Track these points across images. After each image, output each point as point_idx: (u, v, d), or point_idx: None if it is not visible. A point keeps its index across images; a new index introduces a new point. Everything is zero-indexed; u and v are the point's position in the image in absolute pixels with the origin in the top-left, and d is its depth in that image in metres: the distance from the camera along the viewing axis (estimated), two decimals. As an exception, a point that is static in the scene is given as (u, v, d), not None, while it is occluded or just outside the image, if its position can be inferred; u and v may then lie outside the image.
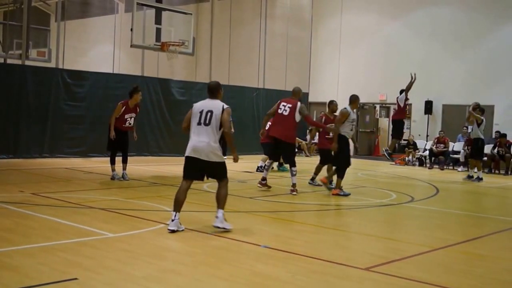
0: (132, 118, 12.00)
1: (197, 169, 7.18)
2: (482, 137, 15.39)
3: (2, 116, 15.84)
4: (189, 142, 7.19)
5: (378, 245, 7.10)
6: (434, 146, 19.79)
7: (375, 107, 25.10)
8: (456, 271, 5.88)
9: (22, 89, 16.12)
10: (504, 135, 18.46)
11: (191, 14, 17.99)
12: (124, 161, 12.16)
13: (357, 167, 18.24)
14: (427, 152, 20.37)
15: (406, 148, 21.20)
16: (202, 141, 7.06)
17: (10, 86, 15.95)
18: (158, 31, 16.69)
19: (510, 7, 20.58)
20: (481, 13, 21.11)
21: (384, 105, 24.86)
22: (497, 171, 18.64)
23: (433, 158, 19.95)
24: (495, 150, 18.50)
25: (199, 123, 7.11)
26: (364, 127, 24.71)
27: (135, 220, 7.75)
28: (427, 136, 21.73)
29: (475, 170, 15.62)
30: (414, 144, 20.91)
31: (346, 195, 10.89)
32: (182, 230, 7.03)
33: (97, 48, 30.83)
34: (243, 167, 16.26)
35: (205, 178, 7.47)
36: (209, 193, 10.89)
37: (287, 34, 25.25)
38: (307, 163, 19.58)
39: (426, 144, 20.96)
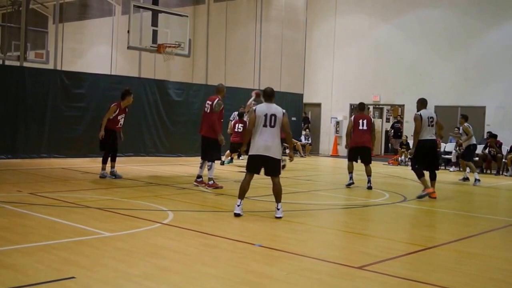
0: (123, 119, 12.53)
1: (259, 164, 8.27)
2: (475, 142, 15.71)
3: (1, 117, 15.90)
4: (254, 141, 8.18)
5: (371, 244, 7.16)
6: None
7: (368, 108, 25.17)
8: (448, 269, 5.93)
9: (20, 91, 16.18)
10: (495, 136, 18.59)
11: (187, 16, 18.05)
12: (114, 160, 12.64)
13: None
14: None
15: (399, 148, 21.33)
16: (268, 141, 8.12)
17: (9, 87, 16.02)
18: (155, 33, 16.74)
19: (501, 9, 20.75)
20: (471, 16, 21.28)
21: (377, 106, 24.98)
22: (488, 171, 18.80)
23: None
24: (487, 151, 18.66)
25: (264, 125, 8.14)
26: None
27: (131, 220, 7.80)
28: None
29: (468, 170, 15.71)
30: (407, 144, 21.01)
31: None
32: (242, 215, 8.19)
33: (94, 49, 30.89)
34: (241, 168, 16.35)
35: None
36: (204, 193, 10.97)
37: (281, 36, 25.34)
38: (302, 163, 19.69)
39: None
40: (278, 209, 8.25)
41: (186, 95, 20.39)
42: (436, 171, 11.52)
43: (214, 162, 11.45)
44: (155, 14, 16.84)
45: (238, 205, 8.30)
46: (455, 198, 12.67)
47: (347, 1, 24.75)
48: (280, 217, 8.18)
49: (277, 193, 8.30)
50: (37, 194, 9.77)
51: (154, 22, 16.78)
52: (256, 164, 8.32)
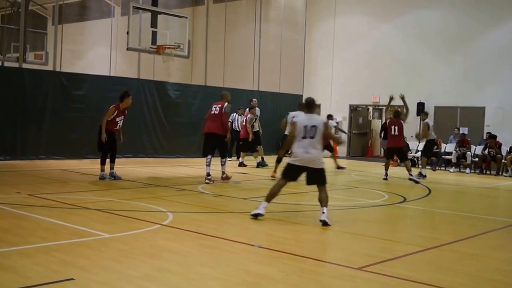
0: (122, 121, 12.54)
1: (298, 174, 8.32)
2: (432, 138, 16.45)
3: (0, 118, 15.89)
4: (295, 151, 8.22)
5: (370, 245, 7.15)
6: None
7: (368, 109, 25.22)
8: (448, 270, 5.92)
9: (19, 92, 16.17)
10: (494, 137, 18.58)
11: (187, 17, 18.03)
12: (113, 161, 12.66)
13: (350, 168, 18.35)
14: (419, 153, 20.43)
15: (418, 151, 21.29)
16: (309, 153, 8.14)
17: (8, 88, 15.99)
18: (154, 34, 16.73)
19: (500, 10, 20.73)
20: (471, 16, 21.27)
21: (377, 106, 24.97)
22: (488, 172, 18.78)
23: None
24: (486, 151, 18.65)
25: (304, 137, 8.16)
26: (357, 129, 24.83)
27: (130, 221, 7.80)
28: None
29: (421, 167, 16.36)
30: (407, 145, 20.98)
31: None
32: (263, 215, 8.20)
33: (93, 51, 30.83)
34: (240, 169, 16.36)
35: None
36: (204, 194, 10.97)
37: (281, 36, 25.32)
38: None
39: (418, 145, 21.04)
40: (323, 213, 8.12)
41: (185, 96, 20.38)
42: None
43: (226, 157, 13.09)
44: (154, 15, 16.83)
45: (264, 207, 8.26)
46: (454, 199, 12.69)
47: (346, 1, 24.73)
48: (324, 221, 7.98)
49: (322, 199, 8.22)
50: (36, 195, 9.77)
51: (154, 23, 16.77)
52: (295, 173, 8.33)
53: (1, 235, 6.62)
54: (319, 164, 8.24)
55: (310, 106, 8.49)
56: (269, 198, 8.36)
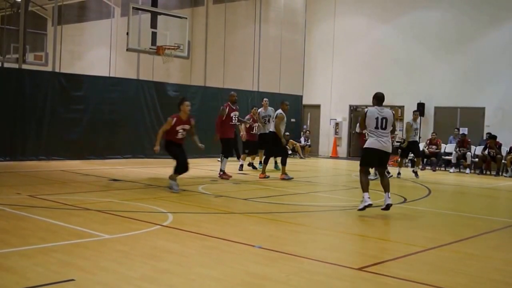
0: (184, 130, 11.42)
1: (376, 159, 9.26)
2: (413, 139, 16.58)
3: (-1, 119, 15.92)
4: (370, 140, 9.11)
5: (370, 245, 7.16)
6: (426, 148, 19.88)
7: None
8: (447, 270, 5.92)
9: (19, 93, 16.17)
10: (494, 137, 18.58)
11: (186, 18, 18.05)
12: (178, 172, 11.47)
13: (350, 168, 18.35)
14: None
15: (399, 150, 21.26)
16: (383, 141, 9.06)
17: (7, 89, 16.00)
18: (154, 35, 16.74)
19: (499, 10, 20.74)
20: (470, 17, 21.28)
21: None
22: (488, 172, 18.78)
23: (425, 160, 20.02)
24: (486, 152, 18.64)
25: (376, 127, 9.06)
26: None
27: (130, 222, 7.79)
28: (419, 137, 21.74)
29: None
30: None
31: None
32: (372, 204, 8.97)
33: (93, 51, 30.87)
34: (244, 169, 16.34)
35: None
36: (204, 195, 10.97)
37: (281, 37, 25.34)
38: (302, 164, 19.68)
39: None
40: (389, 197, 9.05)
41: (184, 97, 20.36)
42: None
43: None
44: (154, 16, 16.84)
45: (369, 197, 8.95)
46: (454, 199, 12.69)
47: (346, 2, 24.75)
48: (390, 204, 9.02)
49: (385, 184, 9.16)
50: (36, 196, 9.76)
51: (153, 24, 16.78)
52: (372, 158, 9.25)
53: (1, 236, 6.62)
54: (390, 149, 9.26)
55: (381, 99, 9.37)
56: (365, 188, 9.03)
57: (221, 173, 13.87)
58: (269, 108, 16.36)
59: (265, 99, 16.90)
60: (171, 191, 11.03)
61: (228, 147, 14.37)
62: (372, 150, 9.14)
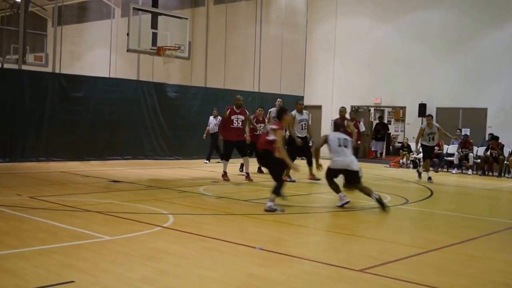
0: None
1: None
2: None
3: (-1, 120, 15.89)
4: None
5: (372, 247, 7.12)
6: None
7: (369, 110, 25.17)
8: (449, 272, 5.90)
9: (18, 94, 16.13)
10: (497, 138, 18.51)
11: (187, 18, 17.98)
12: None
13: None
14: (421, 155, 20.35)
15: (401, 151, 21.26)
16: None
17: (7, 90, 15.95)
18: (154, 36, 16.68)
19: (501, 10, 20.70)
20: (471, 17, 21.24)
21: (378, 108, 24.93)
22: (490, 173, 18.71)
23: (427, 160, 19.94)
24: (488, 153, 18.58)
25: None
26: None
27: (131, 223, 7.77)
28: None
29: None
30: (408, 146, 20.95)
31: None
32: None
33: (93, 52, 30.84)
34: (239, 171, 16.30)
35: None
36: (205, 196, 10.94)
37: (282, 38, 25.28)
38: (303, 166, 19.60)
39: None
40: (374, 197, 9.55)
41: (184, 98, 20.34)
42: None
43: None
44: (154, 17, 16.79)
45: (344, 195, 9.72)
46: (456, 201, 12.65)
47: (347, 2, 24.69)
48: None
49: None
50: (37, 197, 9.73)
51: (154, 25, 16.73)
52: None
53: (1, 237, 6.60)
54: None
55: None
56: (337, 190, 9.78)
57: (223, 173, 13.84)
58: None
59: (278, 99, 16.64)
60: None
61: (225, 149, 14.28)
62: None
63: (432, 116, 16.53)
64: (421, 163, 16.85)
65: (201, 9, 27.96)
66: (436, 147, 19.43)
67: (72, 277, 5.06)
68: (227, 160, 14.04)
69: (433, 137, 15.85)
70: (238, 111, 14.06)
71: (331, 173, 9.85)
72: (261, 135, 10.42)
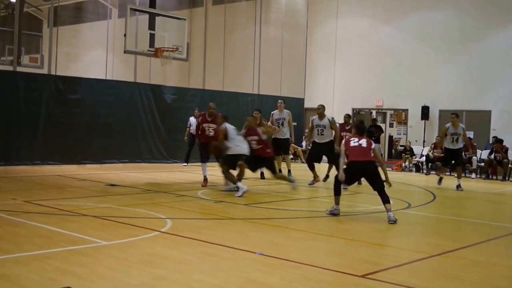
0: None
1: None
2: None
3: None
4: None
5: (374, 252, 7.06)
6: (431, 152, 19.67)
7: (371, 113, 25.08)
8: (453, 277, 5.84)
9: (13, 96, 16.01)
10: (501, 141, 18.39)
11: (185, 19, 17.91)
12: None
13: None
14: (424, 158, 20.31)
15: (403, 154, 21.16)
16: None
17: (2, 92, 15.85)
18: (152, 37, 16.61)
19: (504, 12, 20.65)
20: (474, 18, 21.16)
21: (380, 110, 24.84)
22: (494, 177, 18.52)
23: (430, 164, 19.87)
24: (492, 156, 18.42)
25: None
26: (359, 133, 24.69)
27: (128, 228, 7.69)
28: (424, 141, 21.68)
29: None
30: (411, 150, 20.88)
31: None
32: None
33: (89, 54, 30.75)
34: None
35: None
36: (204, 200, 10.86)
37: (282, 39, 25.20)
38: (303, 169, 19.53)
39: (422, 150, 20.92)
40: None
41: (182, 101, 20.21)
42: None
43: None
44: (152, 18, 16.72)
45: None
46: (460, 205, 12.55)
47: (348, 3, 24.56)
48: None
49: None
50: (32, 202, 9.64)
51: (151, 26, 16.66)
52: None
53: (-5, 242, 6.51)
54: None
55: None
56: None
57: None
58: (285, 111, 15.29)
59: (280, 100, 15.74)
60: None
61: (201, 152, 13.23)
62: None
63: (457, 115, 15.24)
64: (439, 168, 16.11)
65: (199, 9, 27.88)
66: (438, 150, 18.86)
67: (68, 282, 5.00)
68: (205, 162, 13.18)
69: (457, 138, 14.53)
70: (209, 119, 12.96)
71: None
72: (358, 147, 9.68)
